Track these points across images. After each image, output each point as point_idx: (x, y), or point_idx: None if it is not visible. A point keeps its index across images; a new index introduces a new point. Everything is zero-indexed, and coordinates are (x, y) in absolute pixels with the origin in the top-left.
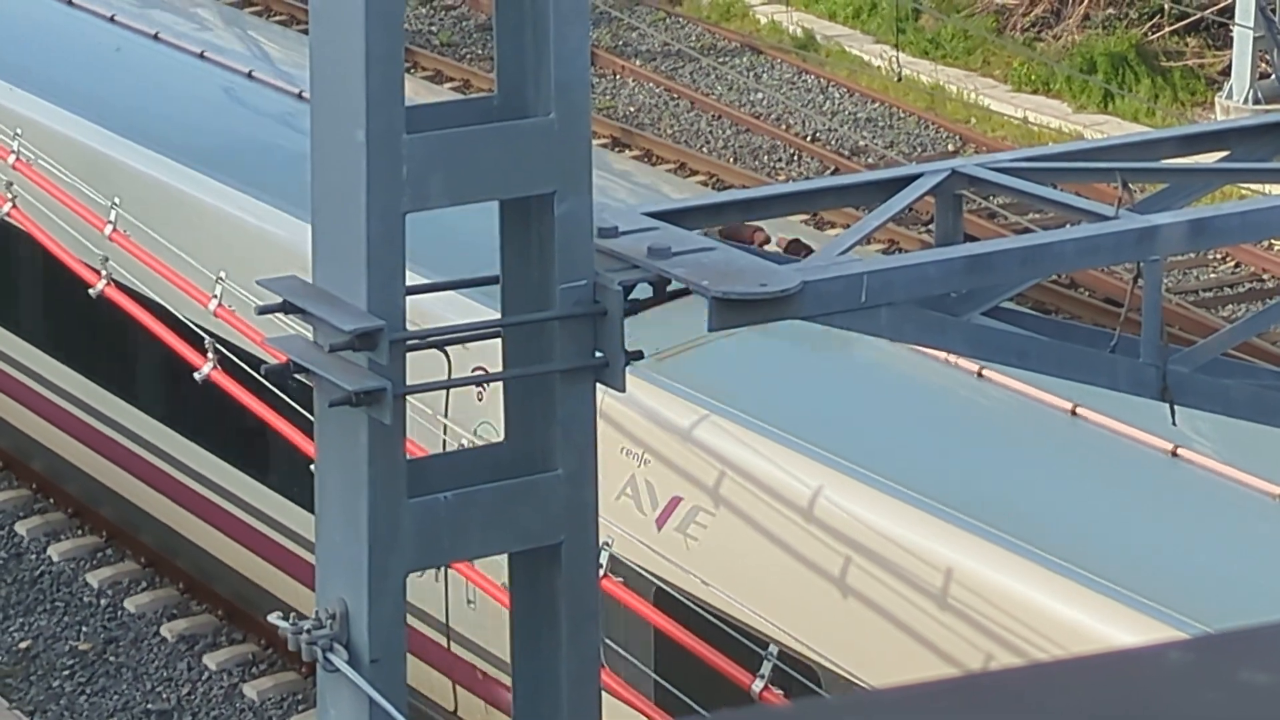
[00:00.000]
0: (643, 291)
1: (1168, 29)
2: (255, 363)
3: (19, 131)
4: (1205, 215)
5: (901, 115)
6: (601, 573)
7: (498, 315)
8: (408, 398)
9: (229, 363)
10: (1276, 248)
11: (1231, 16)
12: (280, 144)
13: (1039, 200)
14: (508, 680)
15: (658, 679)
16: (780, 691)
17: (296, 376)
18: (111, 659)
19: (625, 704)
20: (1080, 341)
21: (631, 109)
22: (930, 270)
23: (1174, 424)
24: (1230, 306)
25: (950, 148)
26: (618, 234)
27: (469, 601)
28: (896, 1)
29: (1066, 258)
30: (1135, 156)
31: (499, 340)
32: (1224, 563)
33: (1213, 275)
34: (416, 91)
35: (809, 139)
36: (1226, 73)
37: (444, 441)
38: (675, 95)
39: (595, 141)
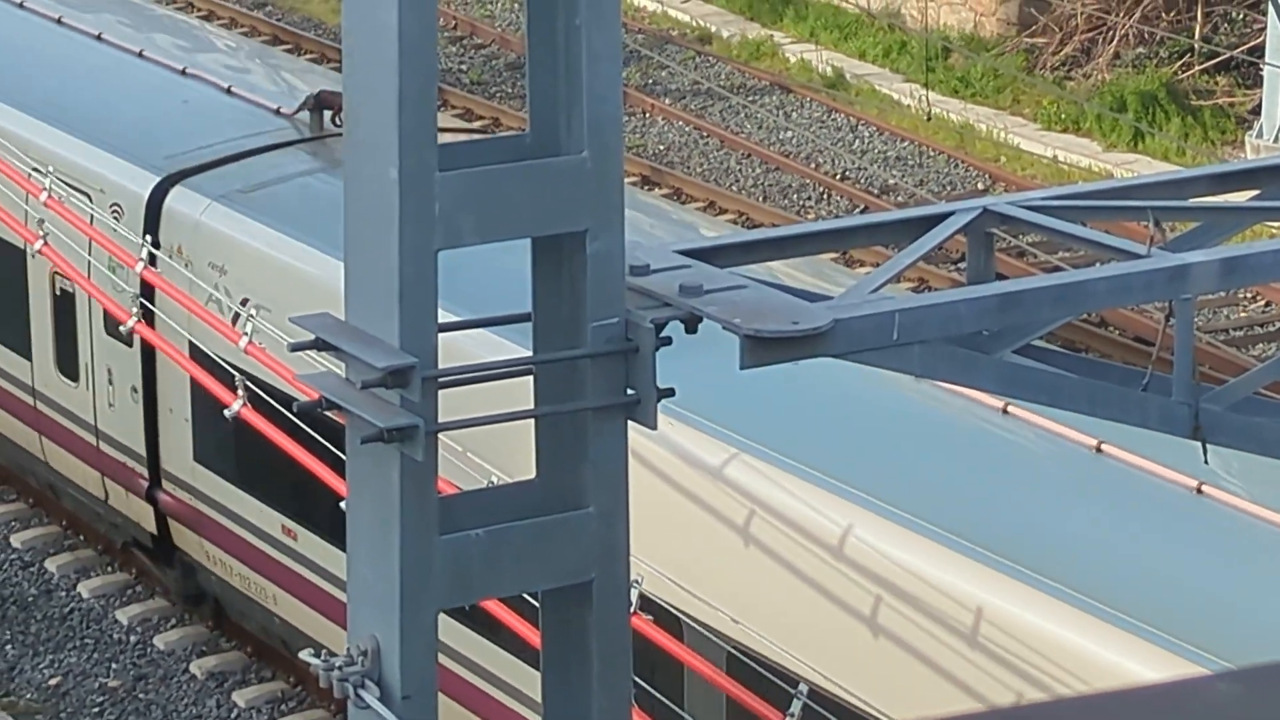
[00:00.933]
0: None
1: (1198, 68)
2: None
3: (51, 169)
4: (1237, 254)
5: (931, 154)
6: (632, 610)
7: (529, 353)
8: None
9: (259, 399)
10: None
11: (1262, 55)
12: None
13: (1071, 238)
14: None
15: (688, 717)
16: None
17: (328, 413)
18: (141, 696)
19: None
20: (1112, 380)
21: (661, 147)
22: (962, 308)
23: (1205, 463)
24: (1261, 345)
25: (980, 186)
26: (649, 272)
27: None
28: (926, 40)
29: (1098, 296)
30: (1166, 195)
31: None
32: (1251, 599)
33: (1244, 314)
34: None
35: (838, 177)
36: (1257, 111)
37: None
38: (705, 133)
39: (625, 180)
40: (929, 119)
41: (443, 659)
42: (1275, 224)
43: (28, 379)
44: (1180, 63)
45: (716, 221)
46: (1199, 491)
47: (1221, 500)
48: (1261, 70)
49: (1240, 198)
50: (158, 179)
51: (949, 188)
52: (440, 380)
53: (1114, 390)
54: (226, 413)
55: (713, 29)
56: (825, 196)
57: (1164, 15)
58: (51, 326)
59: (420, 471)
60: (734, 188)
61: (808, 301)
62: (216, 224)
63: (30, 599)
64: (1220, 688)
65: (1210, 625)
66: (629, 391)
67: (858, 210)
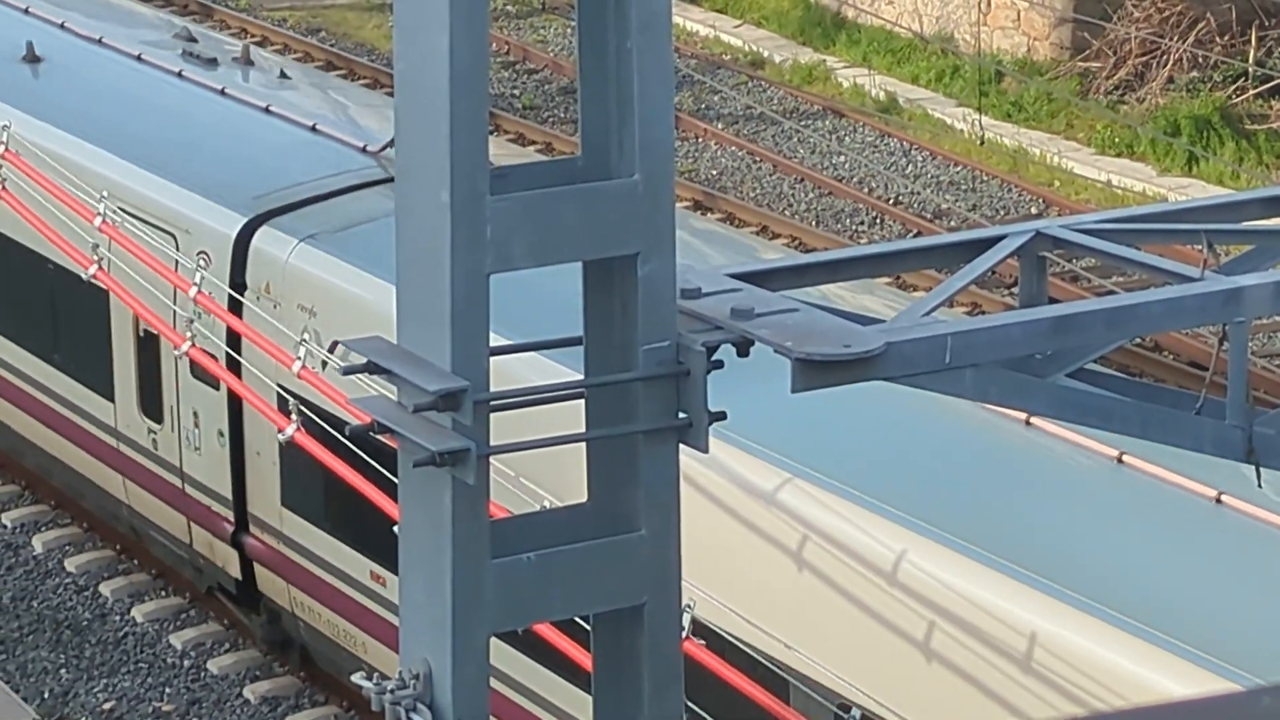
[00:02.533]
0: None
1: (1252, 92)
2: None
3: (105, 194)
4: None
5: (984, 178)
6: (684, 634)
7: (580, 376)
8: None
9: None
10: None
11: None
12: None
13: (1124, 262)
14: None
15: None
16: None
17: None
18: None
19: None
20: (1165, 403)
21: (714, 172)
22: (1015, 332)
23: (1260, 486)
24: None
25: (1033, 211)
26: (701, 295)
27: None
28: (979, 65)
29: (1152, 319)
30: (1220, 218)
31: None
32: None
33: None
34: (500, 154)
35: (891, 202)
36: None
37: None
38: (757, 158)
39: (678, 205)
40: (982, 143)
41: (495, 683)
42: None
43: (110, 420)
44: (1234, 87)
45: (772, 245)
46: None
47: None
48: None
49: None
50: (245, 219)
51: (1002, 212)
52: (492, 404)
53: (1167, 414)
54: (280, 437)
55: (765, 54)
56: (878, 221)
57: (1218, 39)
58: (135, 368)
59: (472, 495)
60: (786, 212)
61: (860, 325)
62: (305, 264)
63: (84, 623)
64: (1265, 702)
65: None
66: (680, 415)
67: (911, 235)
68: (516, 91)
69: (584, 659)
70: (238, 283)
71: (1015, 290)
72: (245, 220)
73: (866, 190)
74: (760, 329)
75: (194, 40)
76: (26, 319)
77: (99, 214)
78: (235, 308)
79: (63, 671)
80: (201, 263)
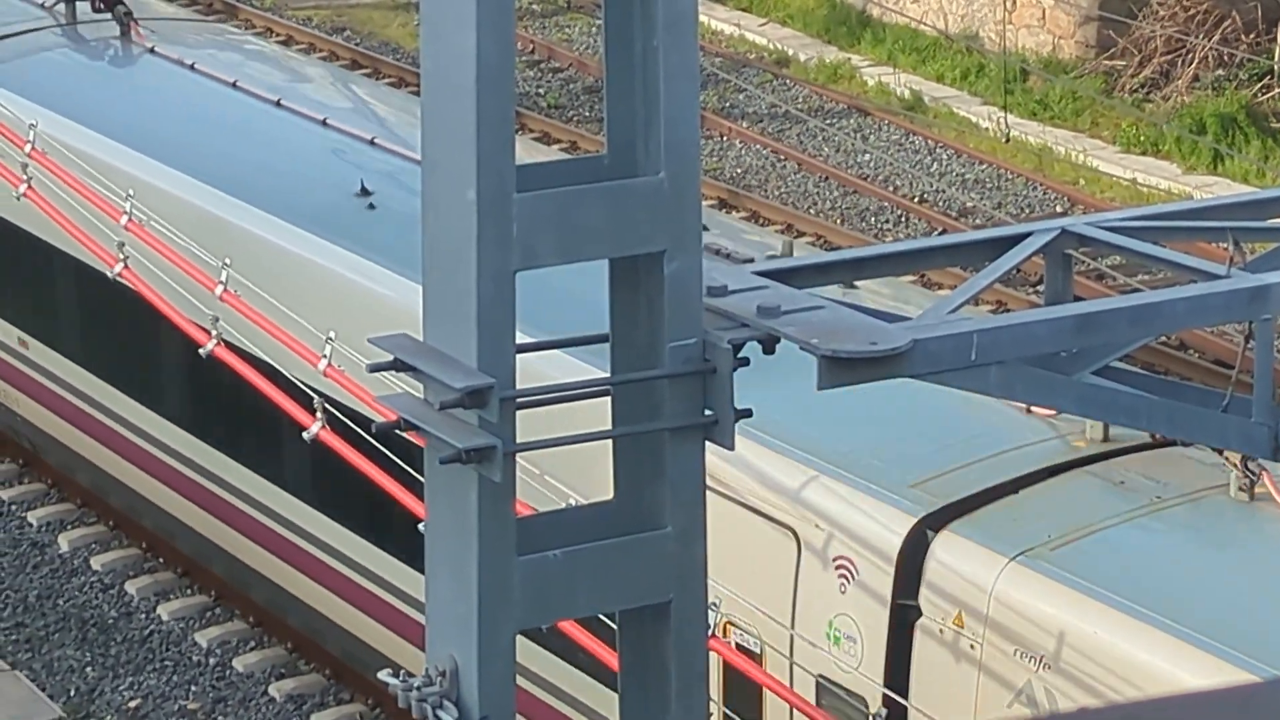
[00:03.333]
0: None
1: (1278, 89)
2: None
3: (131, 193)
4: None
5: (1010, 176)
6: (710, 633)
7: (605, 373)
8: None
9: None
10: None
11: None
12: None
13: (1149, 259)
14: None
15: None
16: None
17: (406, 434)
18: (220, 719)
19: None
20: (1191, 401)
21: (739, 170)
22: (1040, 329)
23: None
24: None
25: (1058, 209)
26: (727, 292)
27: None
28: (1005, 63)
29: (1177, 317)
30: (1246, 216)
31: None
32: None
33: None
34: (525, 153)
35: (917, 200)
36: None
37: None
38: (782, 156)
39: (703, 203)
40: (1007, 141)
41: (521, 680)
42: None
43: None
44: (1260, 84)
45: (796, 243)
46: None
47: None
48: None
49: None
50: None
51: (1027, 210)
52: (518, 401)
53: (1193, 411)
54: (305, 435)
55: (790, 52)
56: (903, 219)
57: (1243, 37)
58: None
59: (498, 492)
60: (812, 211)
61: (886, 322)
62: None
63: (110, 621)
64: None
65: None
66: (706, 412)
67: (936, 233)
68: (541, 90)
69: (610, 657)
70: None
71: (1040, 288)
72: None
73: (891, 188)
74: (786, 326)
75: None
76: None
77: None
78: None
79: (88, 669)
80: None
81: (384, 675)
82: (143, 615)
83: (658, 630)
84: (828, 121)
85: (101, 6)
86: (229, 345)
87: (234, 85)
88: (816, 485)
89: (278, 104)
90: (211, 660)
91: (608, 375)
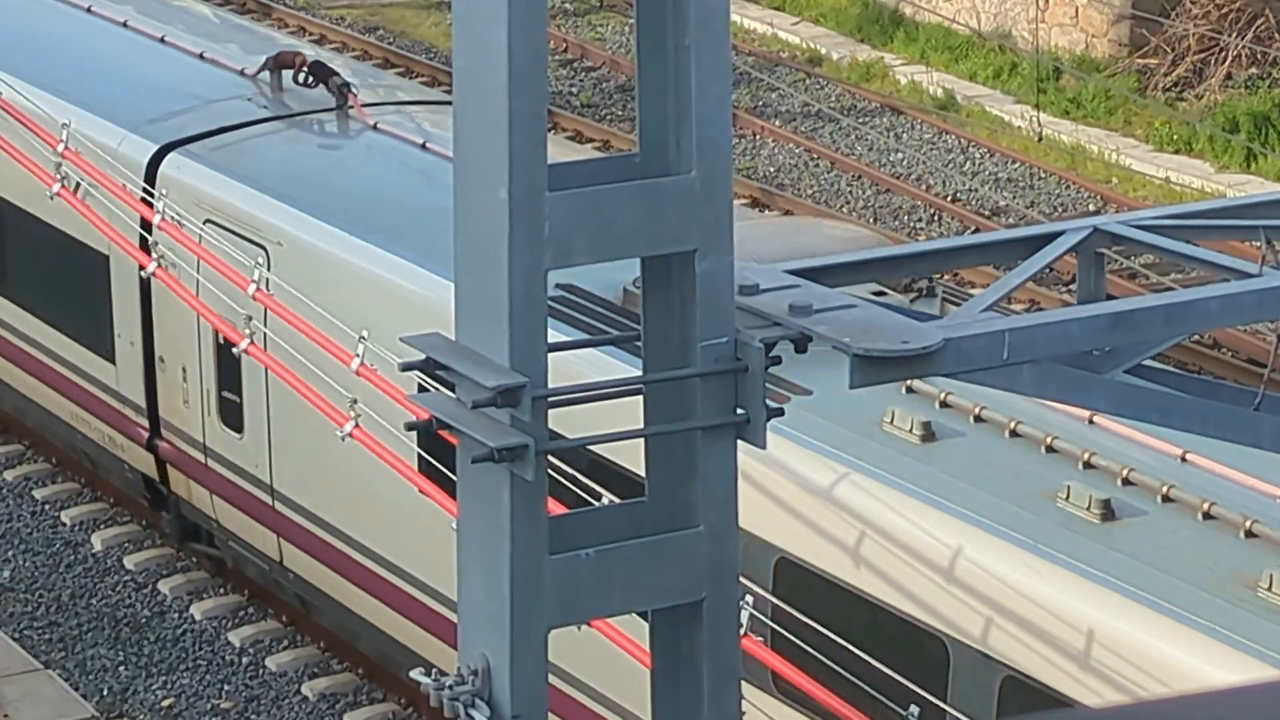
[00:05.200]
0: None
1: None
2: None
3: (165, 191)
4: None
5: (1042, 175)
6: (742, 631)
7: (638, 372)
8: None
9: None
10: None
11: None
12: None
13: (1182, 258)
14: None
15: None
16: None
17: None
18: (253, 717)
19: None
20: (1224, 400)
21: (771, 169)
22: (1073, 328)
23: None
24: None
25: (1091, 208)
26: (759, 291)
27: None
28: (1037, 61)
29: (1210, 315)
30: (1278, 214)
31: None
32: None
33: None
34: (558, 152)
35: (949, 199)
36: None
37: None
38: (815, 155)
39: (735, 202)
40: (1040, 140)
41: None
42: None
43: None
44: None
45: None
46: None
47: None
48: None
49: None
50: None
51: (1060, 209)
52: (551, 400)
53: (1226, 410)
54: (339, 433)
55: (823, 51)
56: (936, 218)
57: (1277, 36)
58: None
59: (531, 491)
60: (845, 209)
61: (918, 320)
62: None
63: (143, 620)
64: None
65: None
66: (739, 411)
67: (969, 232)
68: (574, 89)
69: (642, 655)
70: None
71: (1073, 287)
72: None
73: (924, 187)
74: (819, 325)
75: None
76: None
77: None
78: None
79: (122, 669)
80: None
81: (416, 674)
82: (175, 614)
83: (690, 629)
84: (860, 120)
85: (312, 82)
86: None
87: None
88: None
89: None
90: (244, 659)
91: (640, 374)
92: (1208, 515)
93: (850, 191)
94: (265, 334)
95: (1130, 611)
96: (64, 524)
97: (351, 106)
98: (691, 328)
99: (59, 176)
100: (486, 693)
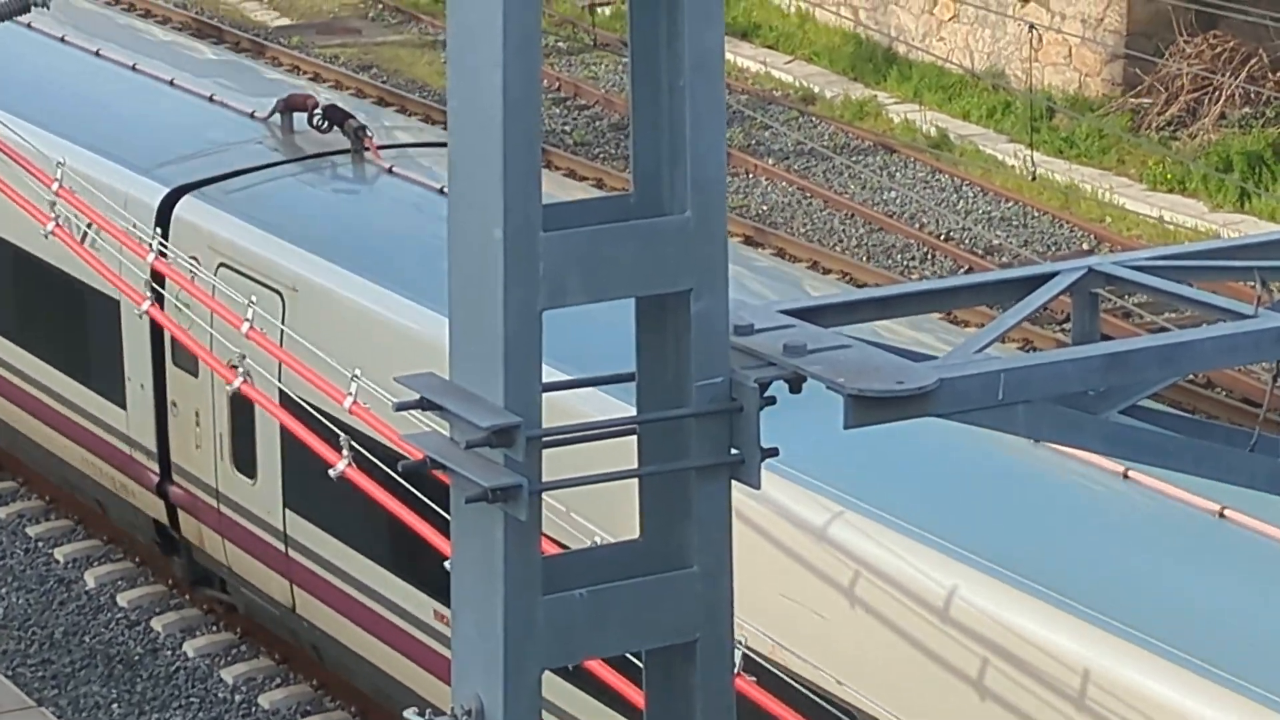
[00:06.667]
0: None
1: None
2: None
3: (177, 235)
4: None
5: (1036, 214)
6: (735, 670)
7: (633, 411)
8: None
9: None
10: None
11: None
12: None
13: (1176, 298)
14: None
15: None
16: None
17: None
18: None
19: None
20: (1219, 440)
21: (765, 207)
22: (1068, 368)
23: None
24: None
25: (1085, 247)
26: (753, 331)
27: None
28: (1031, 101)
29: (1205, 356)
30: (1273, 255)
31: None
32: None
33: None
34: (552, 188)
35: (942, 238)
36: None
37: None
38: (808, 194)
39: (729, 240)
40: (1033, 179)
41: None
42: None
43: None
44: None
45: (825, 280)
46: None
47: None
48: None
49: None
50: None
51: (1054, 248)
52: (544, 439)
53: (1221, 450)
54: (331, 472)
55: (816, 89)
56: (929, 257)
57: (1270, 75)
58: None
59: (524, 531)
60: (838, 248)
61: (912, 361)
62: None
63: (136, 658)
64: None
65: None
66: (733, 451)
67: (962, 271)
68: (567, 127)
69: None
70: None
71: (1066, 326)
72: None
73: (918, 226)
74: (813, 365)
75: None
76: None
77: None
78: None
79: (115, 706)
80: None
81: (410, 714)
82: (168, 652)
83: (684, 669)
84: (853, 159)
85: (326, 125)
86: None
87: None
88: None
89: None
90: (237, 697)
91: (634, 414)
92: None
93: (843, 230)
94: (265, 375)
95: None
96: (57, 561)
97: (367, 149)
98: (686, 368)
99: (54, 215)
100: None
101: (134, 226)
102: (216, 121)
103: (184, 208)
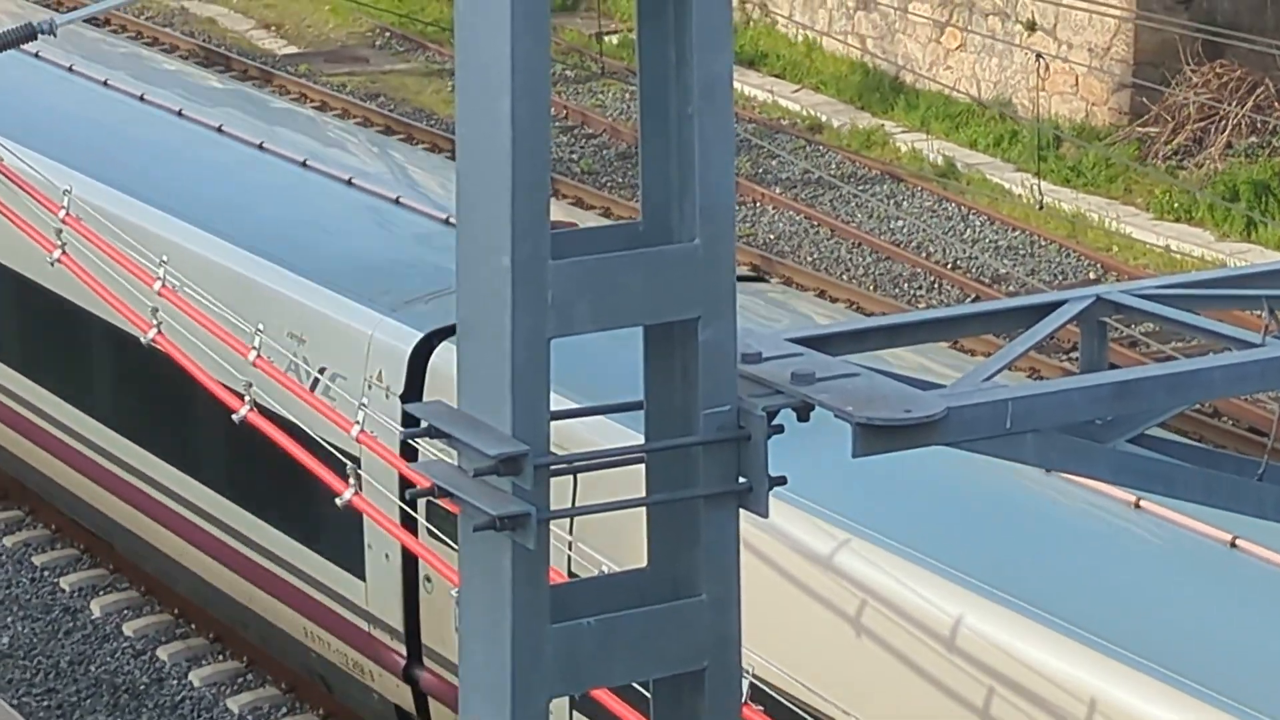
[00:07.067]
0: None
1: None
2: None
3: (165, 259)
4: None
5: (1043, 243)
6: (743, 699)
7: (641, 439)
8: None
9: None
10: None
11: None
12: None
13: (1184, 327)
14: None
15: None
16: None
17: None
18: None
19: None
20: (1227, 469)
21: (772, 236)
22: (1076, 397)
23: None
24: None
25: (1092, 276)
26: (761, 359)
27: None
28: (1038, 129)
29: (1214, 385)
30: None
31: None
32: None
33: None
34: (562, 216)
35: (949, 267)
36: None
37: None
38: (815, 223)
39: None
40: (1041, 208)
41: None
42: None
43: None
44: None
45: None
46: None
47: None
48: None
49: None
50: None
51: (1061, 277)
52: (552, 468)
53: (1229, 480)
54: (338, 501)
55: (823, 118)
56: (936, 286)
57: (1276, 104)
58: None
59: (532, 559)
60: (844, 277)
61: (920, 389)
62: None
63: (142, 687)
64: None
65: None
66: (741, 479)
67: (969, 299)
68: (574, 155)
69: None
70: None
71: (1073, 355)
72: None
73: (925, 255)
74: (821, 393)
75: None
76: None
77: None
78: None
79: None
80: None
81: None
82: (174, 681)
83: (693, 698)
84: (861, 187)
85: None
86: (259, 409)
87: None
88: None
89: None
90: None
91: (642, 442)
92: None
93: (850, 259)
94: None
95: None
96: (63, 590)
97: None
98: (694, 395)
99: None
100: None
101: (378, 373)
102: (431, 238)
103: (444, 355)
